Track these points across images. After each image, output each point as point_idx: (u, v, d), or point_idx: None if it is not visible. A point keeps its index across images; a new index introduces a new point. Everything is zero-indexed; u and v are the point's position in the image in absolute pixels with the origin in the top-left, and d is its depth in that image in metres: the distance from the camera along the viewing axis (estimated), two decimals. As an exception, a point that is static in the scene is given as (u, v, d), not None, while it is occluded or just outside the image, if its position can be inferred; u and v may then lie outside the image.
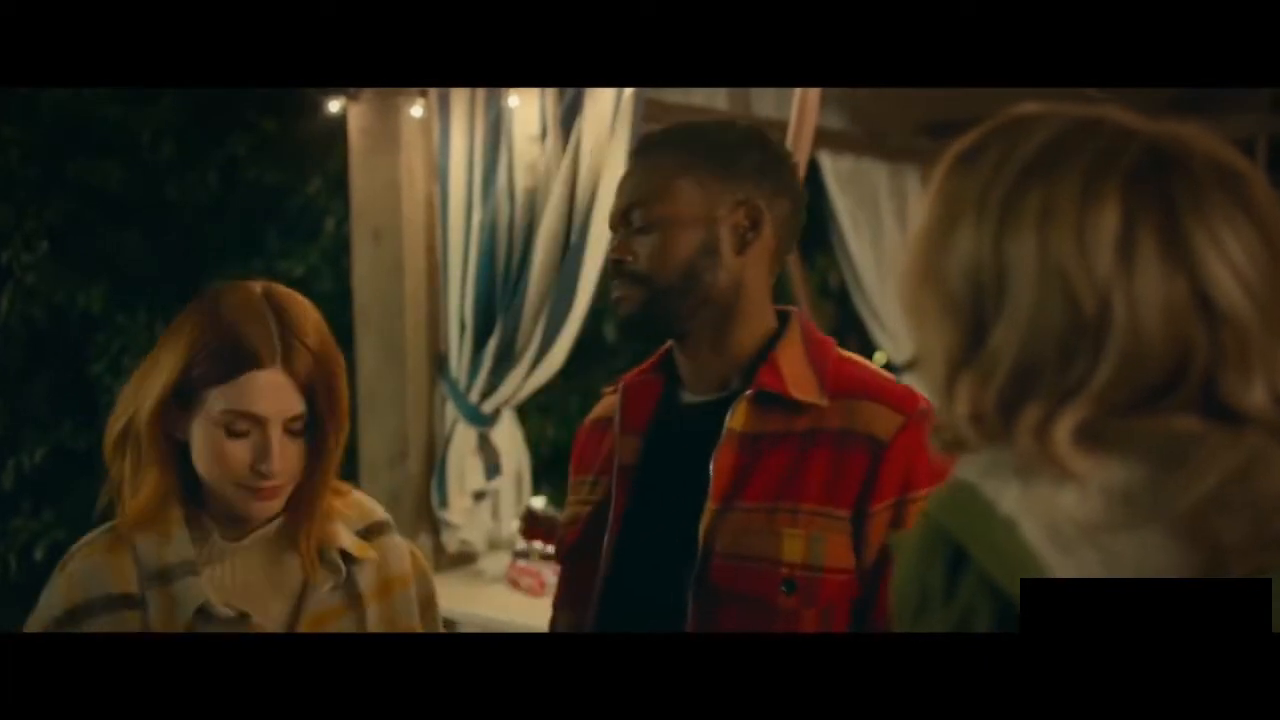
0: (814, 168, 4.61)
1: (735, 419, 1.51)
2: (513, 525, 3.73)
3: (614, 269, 1.56)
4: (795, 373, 1.51)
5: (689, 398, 1.60)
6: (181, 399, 1.45)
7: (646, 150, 1.59)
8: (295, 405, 1.46)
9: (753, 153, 1.55)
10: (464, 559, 3.77)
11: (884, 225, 5.07)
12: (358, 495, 1.68)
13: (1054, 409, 0.78)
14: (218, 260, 5.85)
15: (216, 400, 1.43)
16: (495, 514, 3.84)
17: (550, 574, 3.36)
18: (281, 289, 1.52)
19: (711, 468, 1.49)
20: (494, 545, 3.84)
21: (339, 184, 4.66)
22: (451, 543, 3.71)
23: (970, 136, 0.88)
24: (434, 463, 3.70)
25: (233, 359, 1.42)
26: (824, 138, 4.40)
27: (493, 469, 3.73)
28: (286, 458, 1.46)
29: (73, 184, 5.67)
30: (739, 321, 1.56)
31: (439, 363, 3.73)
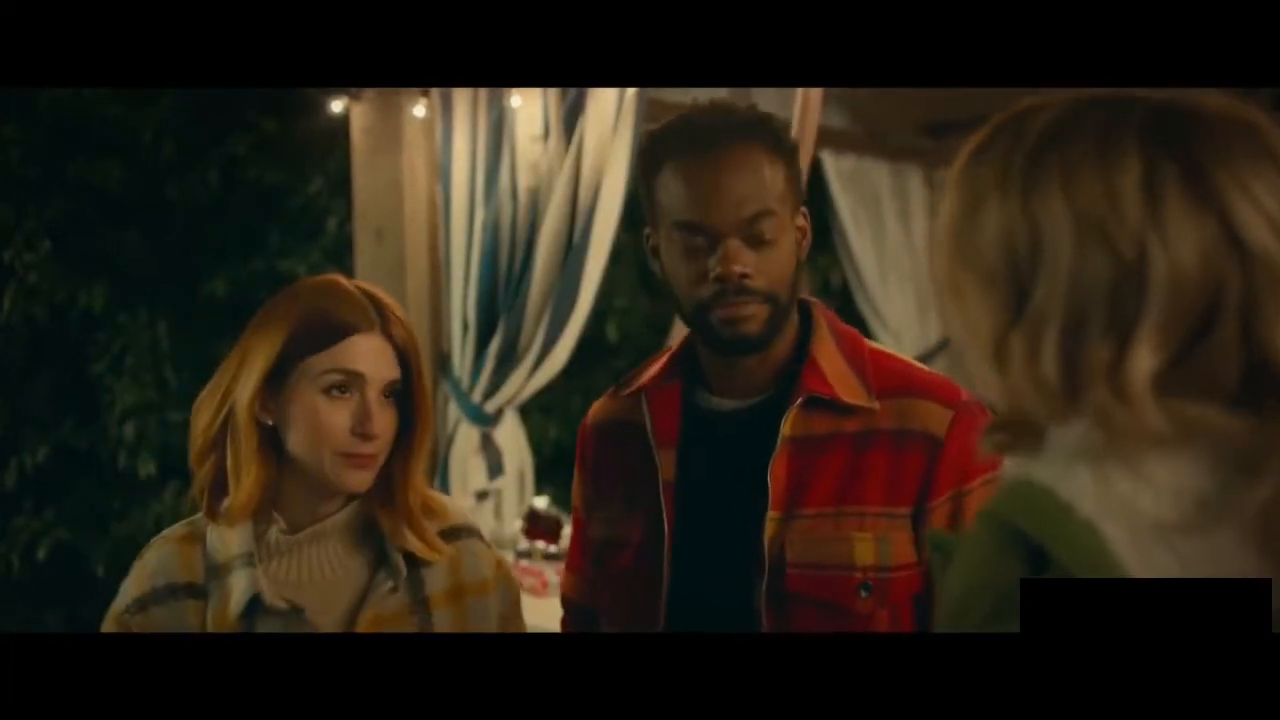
0: (816, 167, 4.60)
1: (787, 426, 1.49)
2: (515, 525, 3.72)
3: (728, 285, 1.43)
4: (837, 373, 1.50)
5: (720, 404, 1.56)
6: (276, 380, 1.48)
7: (710, 141, 1.44)
8: (393, 369, 1.50)
9: (792, 148, 1.51)
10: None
11: (886, 225, 5.07)
12: (441, 498, 1.66)
13: (1119, 350, 0.79)
14: (219, 260, 5.85)
15: (316, 365, 1.47)
16: (498, 514, 3.84)
17: (553, 573, 3.36)
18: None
19: (769, 476, 1.48)
20: (496, 545, 3.81)
21: (341, 183, 4.66)
22: (453, 542, 3.70)
23: (980, 133, 0.90)
24: (436, 462, 3.70)
25: (332, 327, 1.47)
26: (826, 137, 4.39)
27: (495, 469, 3.73)
28: (384, 421, 1.49)
29: (73, 183, 5.67)
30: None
31: (441, 362, 3.72)
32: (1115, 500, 0.79)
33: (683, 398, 1.58)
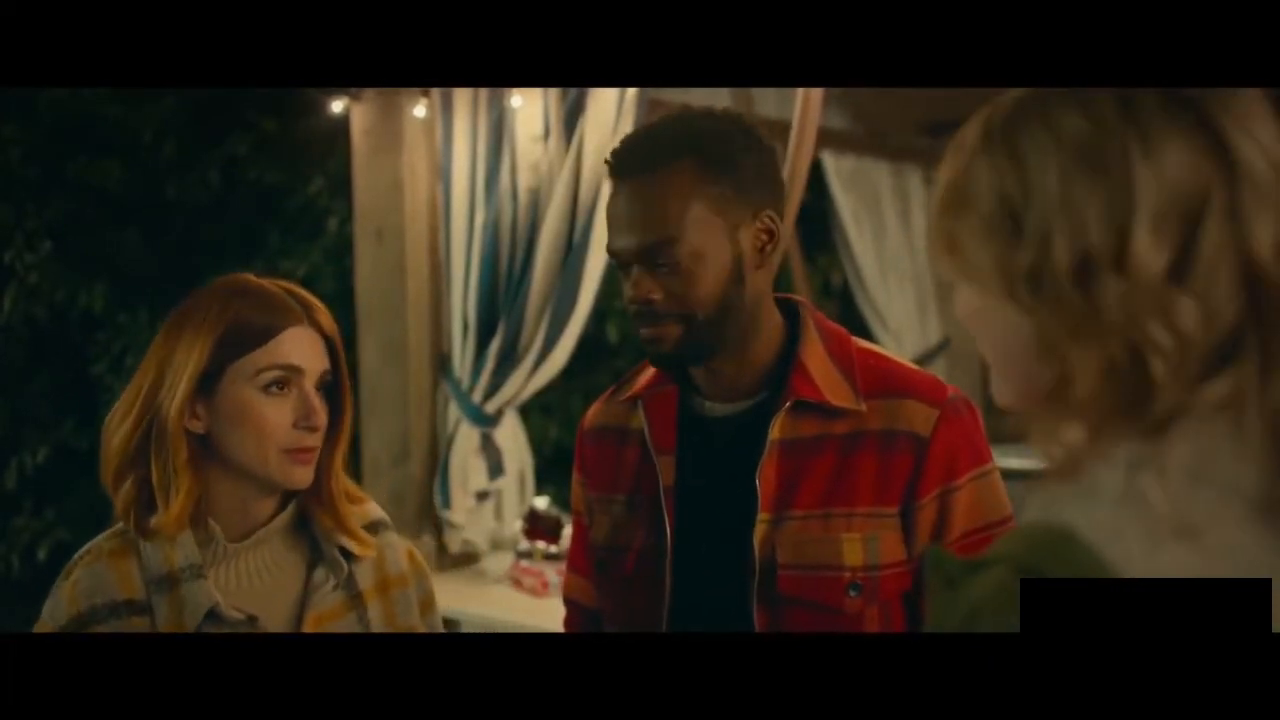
0: (816, 167, 4.60)
1: (775, 429, 1.50)
2: (515, 525, 3.72)
3: (640, 309, 1.49)
4: (825, 375, 1.51)
5: (715, 408, 1.58)
6: (205, 387, 1.46)
7: (639, 168, 1.48)
8: (324, 360, 1.52)
9: (751, 154, 1.49)
10: (467, 559, 3.76)
11: (886, 224, 5.07)
12: (358, 492, 1.67)
13: (1121, 243, 0.81)
14: (219, 260, 5.84)
15: (250, 364, 1.46)
16: (498, 514, 3.84)
17: (553, 573, 3.36)
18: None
19: (758, 479, 1.49)
20: (497, 545, 3.84)
21: (341, 184, 4.66)
22: (454, 543, 3.70)
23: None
24: (437, 463, 3.69)
25: (264, 324, 1.47)
26: (826, 137, 4.40)
27: (495, 469, 3.72)
28: (324, 412, 1.50)
29: (74, 184, 5.67)
30: (757, 331, 1.54)
31: (442, 363, 3.72)
32: (1168, 567, 0.77)
33: (679, 403, 1.59)
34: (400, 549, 1.66)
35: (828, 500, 1.48)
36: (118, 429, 1.48)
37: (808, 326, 1.56)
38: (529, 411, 4.67)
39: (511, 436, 3.80)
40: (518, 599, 3.40)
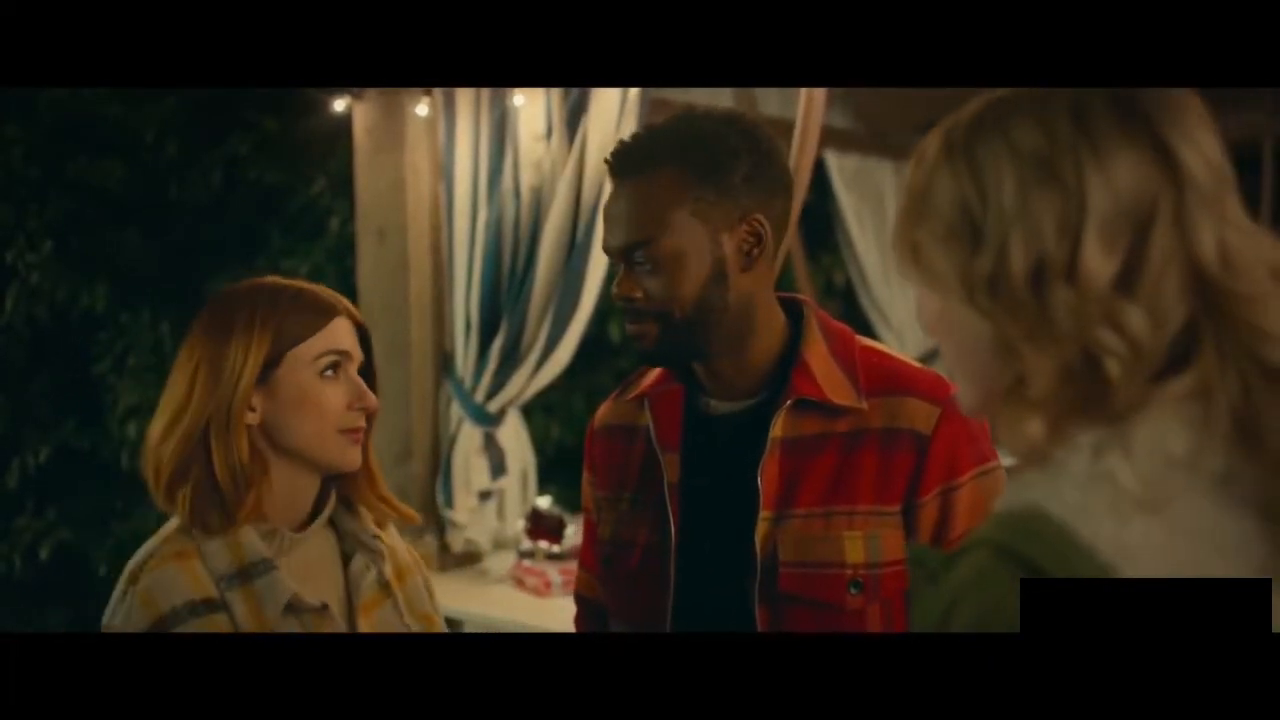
0: (819, 166, 4.60)
1: (777, 428, 1.52)
2: (518, 525, 3.72)
3: (624, 305, 1.54)
4: (828, 374, 1.52)
5: (719, 406, 1.59)
6: (263, 376, 1.50)
7: (632, 170, 1.52)
8: (360, 352, 1.59)
9: (741, 159, 1.50)
10: (469, 559, 3.76)
11: (889, 224, 5.05)
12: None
13: (1072, 250, 0.84)
14: (221, 260, 5.84)
15: (308, 351, 1.52)
16: (500, 514, 3.83)
17: (555, 573, 3.35)
18: None
19: (760, 478, 1.51)
20: (499, 545, 3.83)
21: (343, 183, 4.66)
22: (456, 542, 3.70)
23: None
24: (439, 462, 3.69)
25: (317, 312, 1.53)
26: (829, 136, 4.39)
27: (498, 468, 3.72)
28: (371, 395, 1.56)
29: (75, 183, 5.67)
30: (755, 331, 1.55)
31: (444, 362, 3.72)
32: (1136, 541, 0.80)
33: (684, 401, 1.61)
34: (400, 539, 1.72)
35: (829, 498, 1.50)
36: (164, 443, 1.49)
37: (810, 325, 1.57)
38: (531, 411, 4.67)
39: (514, 436, 3.80)
40: (520, 599, 3.39)
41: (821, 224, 5.08)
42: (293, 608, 1.48)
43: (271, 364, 1.50)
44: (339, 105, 3.71)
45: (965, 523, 1.48)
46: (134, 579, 1.50)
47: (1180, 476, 0.82)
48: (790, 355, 1.56)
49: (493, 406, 3.62)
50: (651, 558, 1.59)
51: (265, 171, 5.77)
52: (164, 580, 1.47)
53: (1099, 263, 0.83)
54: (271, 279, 1.59)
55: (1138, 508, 0.80)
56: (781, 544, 1.50)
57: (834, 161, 4.83)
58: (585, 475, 1.77)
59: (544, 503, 3.66)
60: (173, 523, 1.53)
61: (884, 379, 1.54)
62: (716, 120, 1.54)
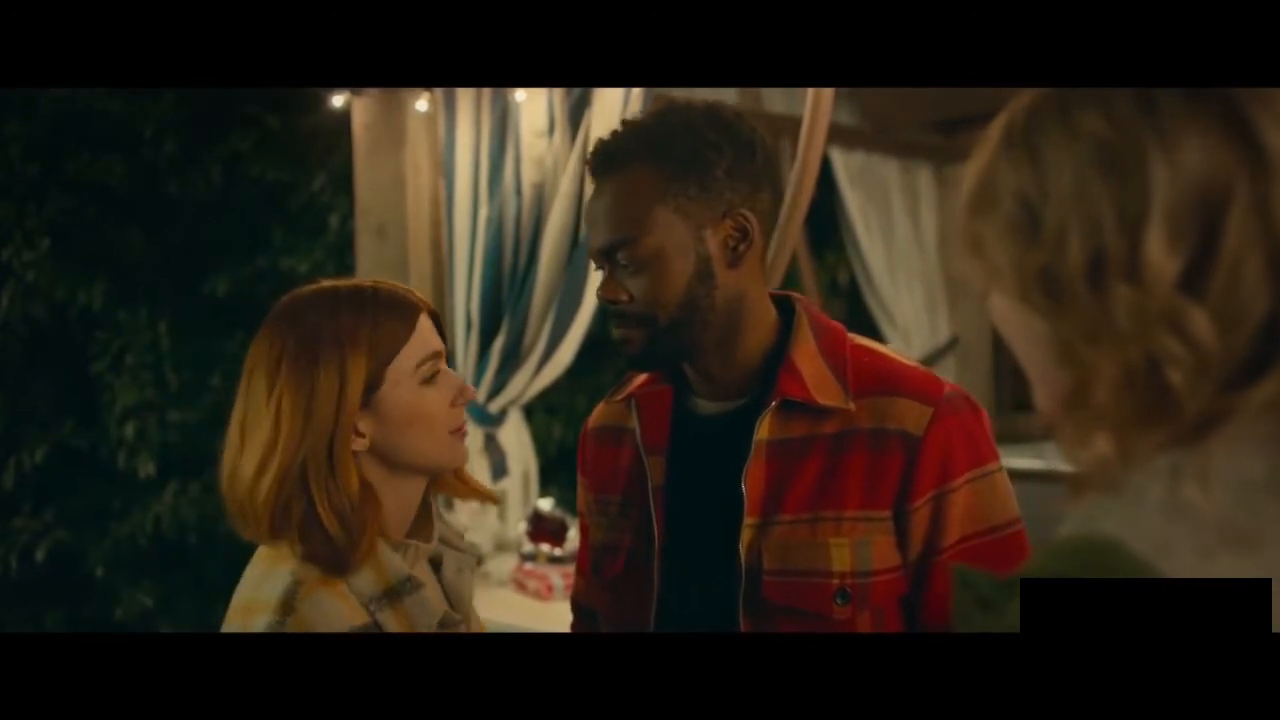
0: (824, 163, 4.56)
1: (762, 430, 1.47)
2: (520, 527, 3.68)
3: (610, 309, 1.50)
4: (815, 374, 1.47)
5: (707, 407, 1.55)
6: (365, 400, 1.39)
7: (611, 168, 1.48)
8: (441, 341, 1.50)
9: (724, 153, 1.46)
10: (469, 561, 3.72)
11: (895, 222, 5.02)
12: None
13: (1133, 242, 0.78)
14: (220, 258, 5.83)
15: (406, 361, 1.41)
16: (502, 515, 3.80)
17: (557, 577, 3.32)
18: None
19: (744, 482, 1.46)
20: (501, 547, 3.80)
21: (343, 180, 4.63)
22: (457, 545, 3.66)
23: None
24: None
25: (403, 318, 1.42)
26: (834, 133, 4.35)
27: (499, 469, 3.69)
28: (469, 386, 1.49)
29: (74, 180, 5.65)
30: (744, 329, 1.51)
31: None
32: (1180, 546, 0.75)
33: (673, 402, 1.57)
34: None
35: (816, 503, 1.45)
36: (258, 484, 1.36)
37: (801, 323, 1.52)
38: (533, 411, 4.64)
39: (515, 436, 3.77)
40: (521, 602, 3.36)
41: (826, 222, 5.04)
42: (444, 623, 1.41)
43: (373, 386, 1.38)
44: (338, 101, 3.68)
45: (960, 529, 1.42)
46: (288, 609, 1.35)
47: (1266, 503, 0.75)
48: (779, 354, 1.51)
49: (494, 407, 3.60)
50: (636, 563, 1.55)
51: (266, 168, 5.75)
52: (322, 609, 1.35)
53: (1162, 257, 0.77)
54: (343, 283, 1.46)
55: (1222, 543, 0.74)
56: (766, 551, 1.45)
57: (839, 159, 4.79)
58: (579, 479, 1.73)
59: (546, 504, 3.62)
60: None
61: (874, 378, 1.48)
62: (696, 114, 1.50)
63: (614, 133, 1.51)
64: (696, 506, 1.52)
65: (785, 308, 1.56)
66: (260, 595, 1.37)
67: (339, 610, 1.36)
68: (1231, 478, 0.75)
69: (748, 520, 1.46)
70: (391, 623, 1.38)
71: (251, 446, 1.37)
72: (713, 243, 1.46)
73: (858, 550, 1.43)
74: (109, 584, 5.54)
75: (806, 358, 1.49)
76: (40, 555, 5.41)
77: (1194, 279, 0.77)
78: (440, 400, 1.44)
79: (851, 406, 1.45)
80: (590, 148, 1.52)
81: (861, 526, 1.43)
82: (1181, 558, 0.74)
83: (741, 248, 1.47)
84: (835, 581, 1.43)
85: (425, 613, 1.40)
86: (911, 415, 1.44)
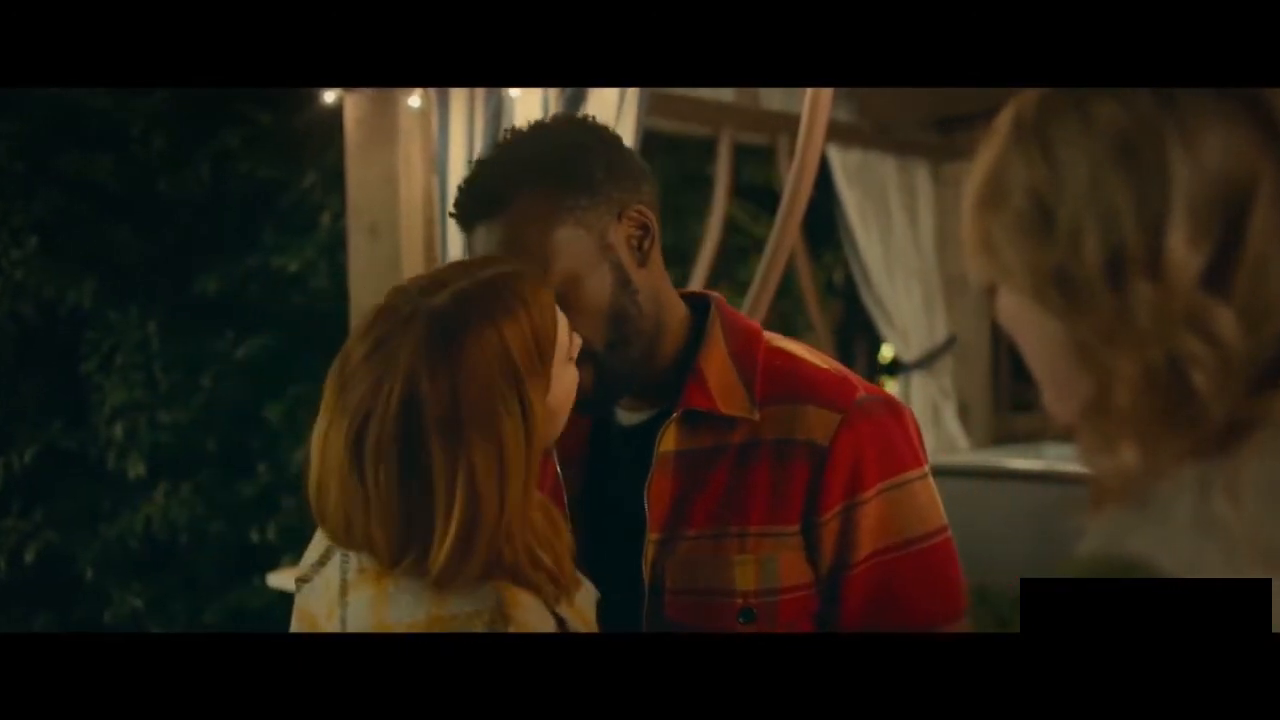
0: (822, 162, 4.53)
1: (665, 441, 1.39)
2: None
3: None
4: (722, 381, 1.39)
5: (627, 418, 1.47)
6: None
7: (490, 209, 1.35)
8: None
9: (596, 152, 1.38)
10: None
11: (893, 220, 5.00)
12: None
13: (1154, 239, 0.75)
14: (211, 256, 5.80)
15: (561, 351, 1.27)
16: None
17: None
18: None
19: (646, 496, 1.39)
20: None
21: (336, 177, 4.60)
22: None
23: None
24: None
25: (545, 296, 1.26)
26: (832, 130, 4.32)
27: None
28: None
29: (62, 178, 5.63)
30: (662, 332, 1.43)
31: (437, 362, 3.65)
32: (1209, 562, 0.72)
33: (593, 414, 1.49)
34: None
35: (720, 518, 1.36)
36: (465, 564, 1.19)
37: (713, 325, 1.43)
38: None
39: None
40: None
41: (823, 221, 5.01)
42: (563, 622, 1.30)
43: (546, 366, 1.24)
44: (329, 97, 3.65)
45: (872, 542, 1.34)
46: (503, 619, 1.22)
47: None
48: (689, 360, 1.42)
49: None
50: None
51: (256, 165, 5.72)
52: (535, 613, 1.22)
53: (1185, 254, 0.74)
54: (479, 276, 1.25)
55: (1253, 560, 0.71)
56: (669, 569, 1.37)
57: (836, 157, 4.77)
58: None
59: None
60: None
61: (783, 385, 1.39)
62: (548, 127, 1.42)
63: (472, 178, 1.40)
64: (605, 521, 1.45)
65: (700, 308, 1.47)
66: (465, 609, 1.22)
67: (542, 614, 1.23)
68: (1264, 489, 0.72)
69: (650, 536, 1.38)
70: (571, 619, 1.26)
71: (449, 524, 1.17)
72: (619, 248, 1.37)
73: (763, 567, 1.35)
74: (99, 585, 5.51)
75: (715, 363, 1.41)
76: (29, 556, 5.39)
77: (1217, 276, 0.74)
78: (575, 371, 1.32)
79: (756, 416, 1.37)
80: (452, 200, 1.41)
81: (768, 543, 1.35)
82: (1212, 575, 0.71)
83: (646, 244, 1.39)
84: (739, 601, 1.35)
85: (591, 603, 1.30)
86: (819, 424, 1.35)
